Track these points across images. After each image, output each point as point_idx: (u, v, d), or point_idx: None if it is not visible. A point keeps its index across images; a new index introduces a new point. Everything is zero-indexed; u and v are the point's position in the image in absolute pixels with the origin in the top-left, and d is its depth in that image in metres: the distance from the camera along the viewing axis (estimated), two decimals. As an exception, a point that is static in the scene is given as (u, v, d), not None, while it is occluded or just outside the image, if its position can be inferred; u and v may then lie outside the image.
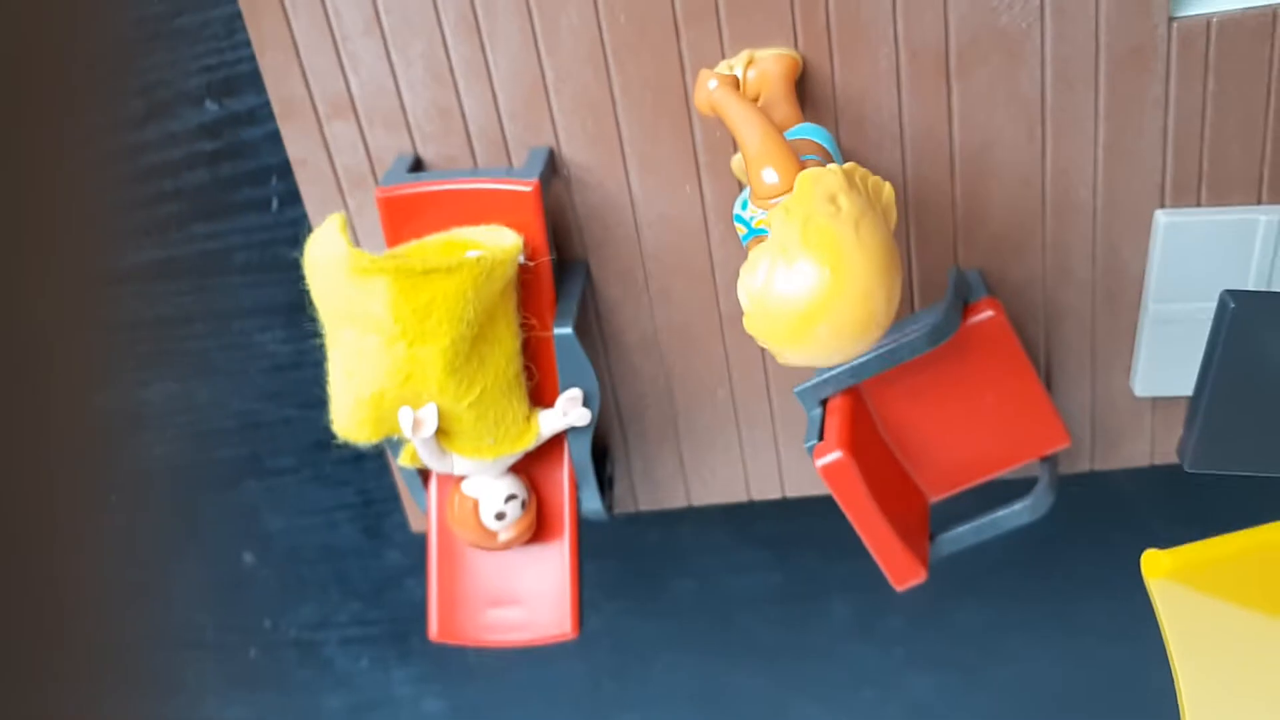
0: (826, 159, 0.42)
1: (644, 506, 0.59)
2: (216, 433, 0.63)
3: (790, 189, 0.38)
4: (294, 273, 0.58)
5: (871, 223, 0.36)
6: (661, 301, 0.53)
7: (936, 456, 0.51)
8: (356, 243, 0.52)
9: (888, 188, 0.39)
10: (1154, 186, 0.49)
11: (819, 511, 0.54)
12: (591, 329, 0.54)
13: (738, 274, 0.52)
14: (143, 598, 0.70)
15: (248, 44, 0.50)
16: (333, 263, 0.44)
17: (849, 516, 0.48)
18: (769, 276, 0.36)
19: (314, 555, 0.68)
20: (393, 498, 0.65)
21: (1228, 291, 0.40)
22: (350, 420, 0.47)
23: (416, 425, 0.46)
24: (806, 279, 0.36)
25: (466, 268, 0.45)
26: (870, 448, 0.49)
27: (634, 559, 0.67)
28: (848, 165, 0.38)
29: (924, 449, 0.51)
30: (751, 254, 0.37)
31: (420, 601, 0.65)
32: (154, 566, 0.69)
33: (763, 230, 0.40)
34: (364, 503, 0.66)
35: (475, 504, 0.50)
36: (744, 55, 0.46)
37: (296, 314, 0.59)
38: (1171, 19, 0.45)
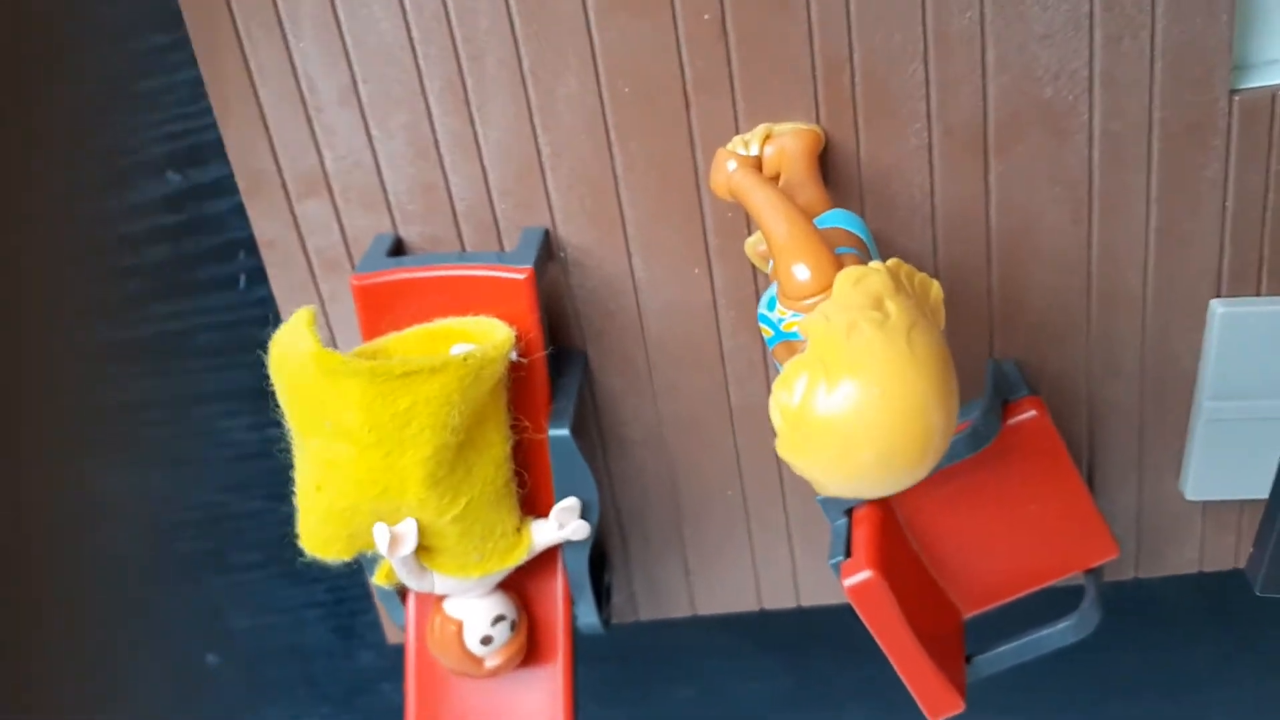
0: (863, 251, 0.37)
1: (645, 616, 0.54)
2: (177, 525, 0.59)
3: (826, 289, 0.33)
4: (261, 354, 0.53)
5: (924, 331, 0.31)
6: (667, 394, 0.48)
7: (972, 570, 0.46)
8: (328, 338, 0.48)
9: (935, 286, 0.34)
10: (1210, 274, 0.44)
11: (832, 611, 0.50)
12: (589, 424, 0.49)
13: (749, 364, 0.49)
14: (99, 700, 0.65)
15: (211, 110, 0.46)
16: (300, 363, 0.39)
17: (879, 641, 0.43)
18: (807, 395, 0.31)
19: (281, 656, 0.63)
20: (367, 595, 0.61)
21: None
22: (319, 536, 0.42)
23: (394, 543, 0.41)
24: (852, 400, 0.31)
25: (452, 368, 0.40)
26: (901, 563, 0.44)
27: (631, 663, 0.62)
28: (892, 262, 0.33)
29: (959, 562, 0.46)
30: (786, 367, 0.32)
31: (396, 707, 0.61)
32: (111, 667, 0.64)
33: (793, 335, 0.35)
34: (335, 600, 0.62)
35: (459, 627, 0.45)
36: (761, 130, 0.42)
37: (263, 399, 0.55)
38: (1233, 92, 0.41)
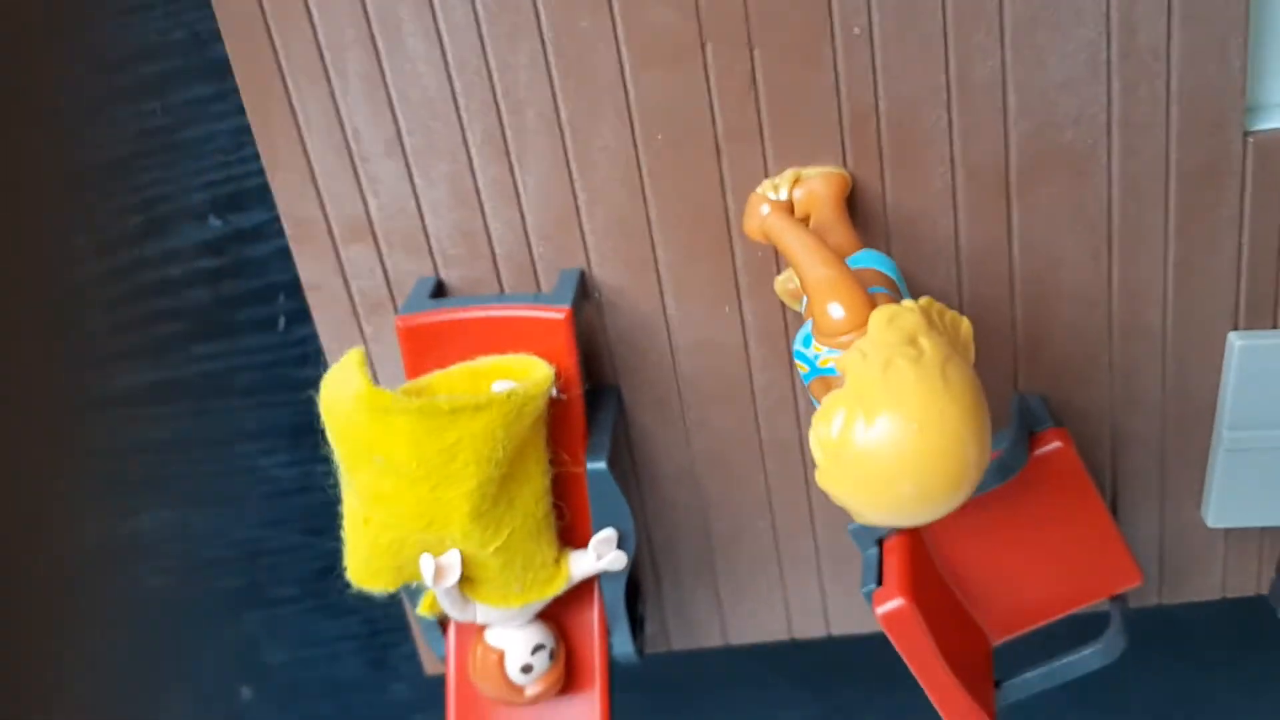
0: (894, 290, 0.38)
1: (678, 646, 0.55)
2: (215, 562, 0.60)
3: (860, 326, 0.35)
4: (299, 394, 0.55)
5: (958, 366, 0.33)
6: (699, 429, 0.50)
7: (1000, 597, 0.47)
8: (375, 377, 0.49)
9: (965, 323, 0.35)
10: (1227, 308, 0.46)
11: (862, 640, 0.50)
12: (624, 459, 0.50)
13: (779, 399, 0.50)
14: (134, 733, 0.66)
15: (255, 158, 0.48)
16: (350, 402, 0.41)
17: (911, 667, 0.44)
18: (846, 429, 0.32)
19: (316, 689, 0.64)
20: (401, 627, 0.61)
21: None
22: (367, 568, 0.43)
23: (439, 573, 0.43)
24: (890, 433, 0.32)
25: (496, 405, 0.41)
26: (931, 591, 0.45)
27: (661, 692, 0.62)
28: (923, 301, 0.35)
29: (987, 589, 0.47)
30: (825, 401, 0.34)
31: (430, 739, 0.61)
32: (146, 702, 0.65)
33: (829, 370, 0.36)
34: (370, 633, 0.63)
35: (500, 656, 0.46)
36: (790, 174, 0.43)
37: (302, 437, 0.56)
38: (1247, 133, 0.43)
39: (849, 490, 0.33)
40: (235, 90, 0.45)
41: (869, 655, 0.48)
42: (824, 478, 0.34)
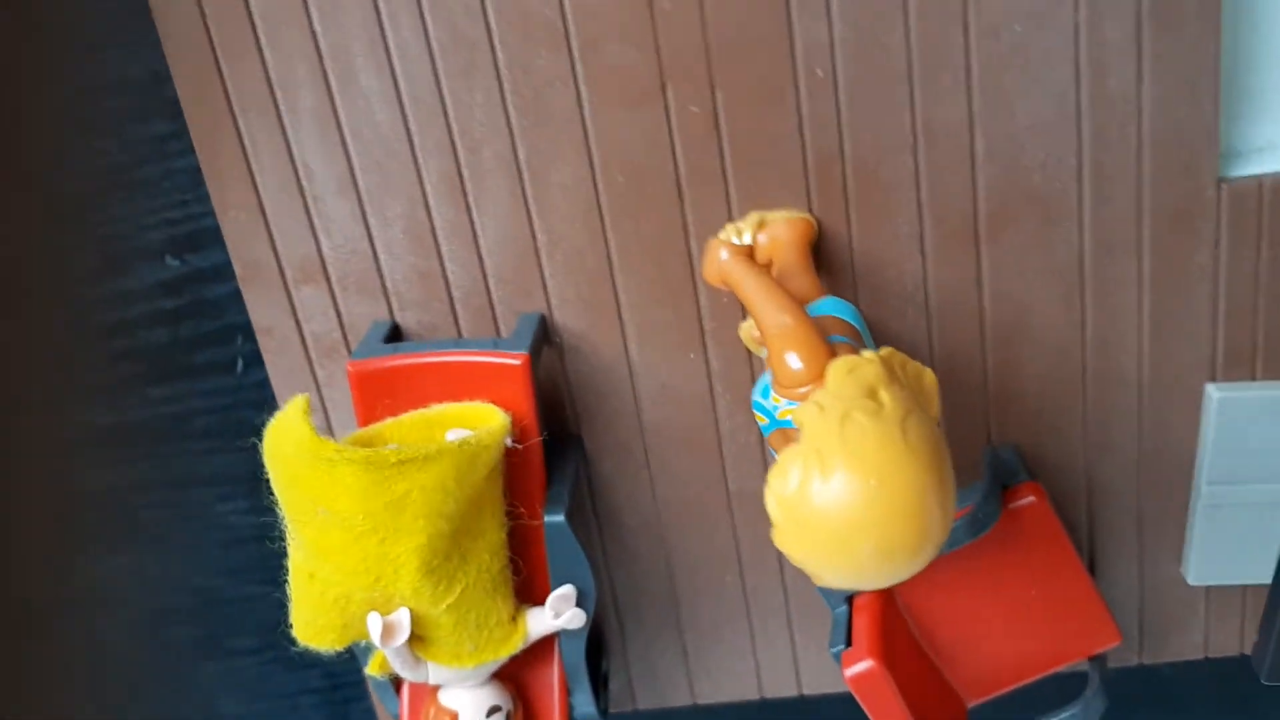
0: (856, 339, 0.37)
1: (643, 705, 0.53)
2: (170, 610, 0.58)
3: (819, 377, 0.33)
4: (256, 438, 0.53)
5: (919, 421, 0.31)
6: (663, 478, 0.48)
7: (974, 657, 0.46)
8: (324, 424, 0.48)
9: (929, 374, 0.34)
10: (1204, 359, 0.45)
11: (835, 699, 0.49)
12: (585, 510, 0.49)
13: (745, 446, 0.48)
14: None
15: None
16: (293, 451, 0.39)
17: (880, 732, 0.42)
18: (803, 485, 0.31)
19: (274, 744, 0.62)
20: (361, 682, 0.60)
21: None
22: (312, 626, 0.41)
23: (387, 632, 0.41)
24: (847, 491, 0.30)
25: (447, 455, 0.40)
26: (903, 651, 0.44)
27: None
28: (885, 351, 0.33)
29: (960, 649, 0.45)
30: (781, 456, 0.32)
31: (390, 798, 0.59)
32: (97, 756, 0.63)
33: (787, 423, 0.35)
34: (330, 687, 0.61)
35: (454, 718, 0.44)
36: (753, 217, 0.42)
37: (259, 483, 0.54)
38: (1220, 180, 0.42)
39: (806, 550, 0.31)
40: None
41: (843, 715, 0.47)
42: (781, 537, 0.32)
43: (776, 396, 0.35)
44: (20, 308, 0.52)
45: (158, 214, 0.49)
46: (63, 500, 0.56)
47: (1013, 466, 0.45)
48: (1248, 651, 0.49)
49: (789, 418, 0.35)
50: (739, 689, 0.52)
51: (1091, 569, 0.49)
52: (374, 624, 0.41)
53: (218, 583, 0.58)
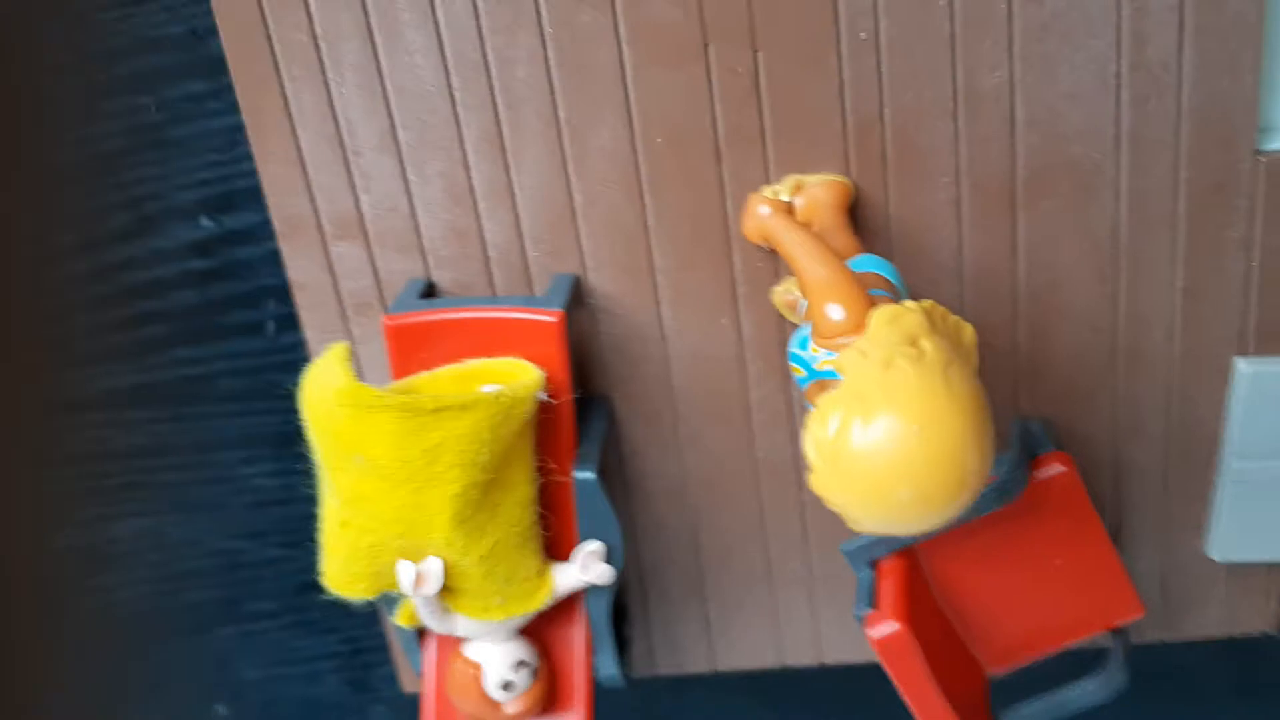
0: (895, 295, 0.37)
1: (664, 670, 0.53)
2: (190, 573, 0.58)
3: (859, 328, 0.34)
4: (284, 402, 0.53)
5: (960, 370, 0.32)
6: (691, 446, 0.48)
7: (998, 626, 0.46)
8: (359, 375, 0.48)
9: (968, 329, 0.34)
10: (1235, 333, 0.45)
11: (854, 674, 0.49)
12: (612, 474, 0.49)
13: (774, 415, 0.49)
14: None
15: (248, 158, 0.47)
16: (332, 397, 0.39)
17: (904, 697, 0.42)
18: (843, 430, 0.31)
19: (293, 709, 0.62)
20: (382, 647, 0.60)
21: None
22: (344, 574, 0.42)
23: (418, 581, 0.41)
24: (889, 435, 0.31)
25: (482, 406, 0.40)
26: (927, 617, 0.44)
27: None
28: (926, 303, 0.34)
29: (984, 618, 0.46)
30: (821, 401, 0.32)
31: (407, 764, 0.60)
32: (117, 716, 0.63)
33: (828, 373, 0.35)
34: (351, 652, 0.61)
35: (479, 671, 0.44)
36: (791, 180, 0.43)
37: (285, 446, 0.55)
38: (1258, 153, 0.42)
39: (844, 494, 0.32)
40: (230, 88, 0.45)
41: (862, 685, 0.47)
42: (818, 481, 0.32)
43: (815, 347, 0.36)
44: (49, 267, 0.52)
45: (192, 174, 0.50)
46: (85, 460, 0.56)
47: (1041, 438, 0.45)
48: (1269, 629, 0.49)
49: (828, 368, 0.35)
50: (759, 656, 0.52)
51: (1116, 543, 0.49)
52: (405, 571, 0.41)
53: (239, 545, 0.58)
